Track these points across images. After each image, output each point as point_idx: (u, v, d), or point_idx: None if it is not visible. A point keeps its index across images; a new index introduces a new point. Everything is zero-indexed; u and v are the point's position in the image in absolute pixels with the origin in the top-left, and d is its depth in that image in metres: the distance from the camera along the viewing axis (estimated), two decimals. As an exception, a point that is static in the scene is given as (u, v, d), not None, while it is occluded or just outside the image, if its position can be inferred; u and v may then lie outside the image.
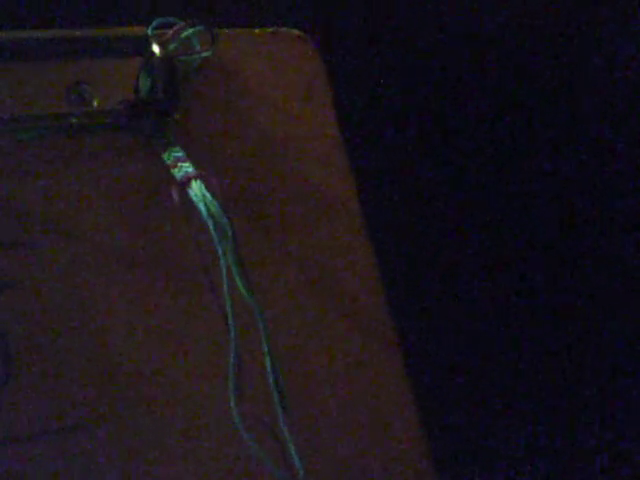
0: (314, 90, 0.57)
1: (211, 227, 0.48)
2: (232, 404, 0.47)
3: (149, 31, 0.52)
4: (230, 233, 0.48)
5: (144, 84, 0.52)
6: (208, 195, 0.48)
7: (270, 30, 0.57)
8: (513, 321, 0.77)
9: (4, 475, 0.45)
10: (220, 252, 0.48)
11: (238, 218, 0.49)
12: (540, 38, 0.82)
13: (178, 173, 0.50)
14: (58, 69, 0.51)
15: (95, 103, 0.51)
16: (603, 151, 0.82)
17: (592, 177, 0.81)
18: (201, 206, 0.48)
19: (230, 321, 0.47)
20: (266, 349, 0.47)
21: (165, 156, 0.51)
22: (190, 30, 0.52)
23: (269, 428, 0.47)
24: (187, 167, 0.50)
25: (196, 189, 0.49)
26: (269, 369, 0.47)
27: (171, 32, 0.52)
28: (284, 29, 0.57)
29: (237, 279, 0.48)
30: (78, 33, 0.52)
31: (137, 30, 0.52)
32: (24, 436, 0.46)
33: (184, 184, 0.49)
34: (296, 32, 0.58)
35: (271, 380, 0.47)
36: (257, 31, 0.57)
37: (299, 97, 0.56)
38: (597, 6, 0.81)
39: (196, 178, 0.49)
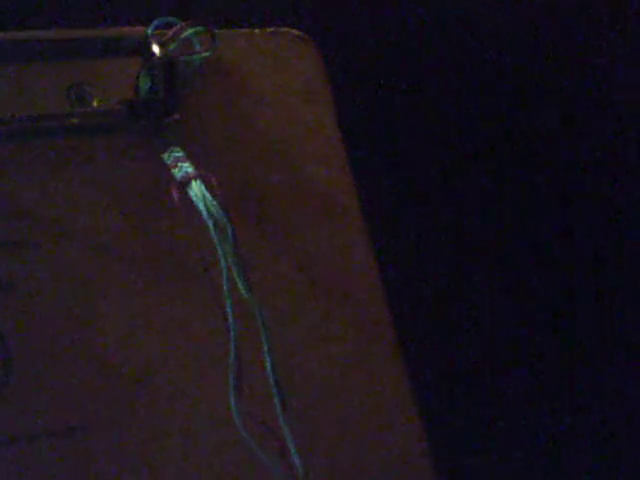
0: (314, 90, 0.57)
1: (211, 227, 0.48)
2: (232, 404, 0.47)
3: (149, 31, 0.52)
4: (230, 233, 0.48)
5: (144, 84, 0.52)
6: (208, 195, 0.48)
7: (270, 30, 0.57)
8: (514, 321, 0.77)
9: (4, 475, 0.45)
10: (220, 252, 0.48)
11: (238, 218, 0.49)
12: (542, 40, 0.82)
13: (178, 173, 0.50)
14: (58, 69, 0.51)
15: (95, 103, 0.51)
16: (604, 152, 0.81)
17: (593, 178, 0.81)
18: (201, 206, 0.48)
19: (230, 321, 0.47)
20: (266, 349, 0.47)
21: (165, 156, 0.51)
22: (190, 30, 0.52)
23: (269, 428, 0.47)
24: (187, 167, 0.50)
25: (196, 189, 0.49)
26: (269, 369, 0.47)
27: (171, 32, 0.52)
28: (284, 29, 0.57)
29: (237, 279, 0.47)
30: (78, 33, 0.52)
31: (137, 30, 0.52)
32: (24, 436, 0.46)
33: (184, 184, 0.49)
34: (296, 32, 0.58)
35: (271, 380, 0.47)
36: (257, 31, 0.57)
37: (299, 97, 0.56)
38: (598, 7, 0.82)
39: (196, 178, 0.49)
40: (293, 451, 0.47)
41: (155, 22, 0.52)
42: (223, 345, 0.48)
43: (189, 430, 0.48)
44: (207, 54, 0.53)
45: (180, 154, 0.50)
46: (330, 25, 0.77)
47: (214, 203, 0.48)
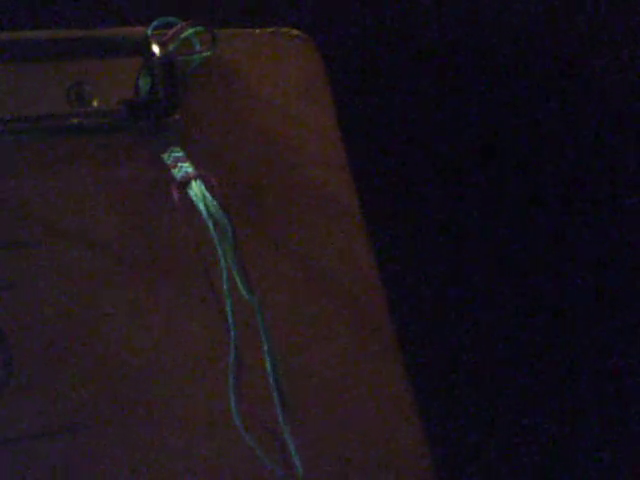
0: (314, 90, 0.57)
1: (211, 227, 0.48)
2: (232, 404, 0.47)
3: (149, 31, 0.52)
4: (230, 233, 0.48)
5: (144, 84, 0.52)
6: (208, 195, 0.48)
7: (270, 30, 0.57)
8: (514, 321, 0.77)
9: (4, 475, 0.45)
10: (220, 252, 0.48)
11: (238, 218, 0.49)
12: (543, 40, 0.82)
13: (178, 173, 0.50)
14: (58, 69, 0.51)
15: (95, 103, 0.51)
16: (605, 153, 0.82)
17: (593, 179, 0.81)
18: (201, 206, 0.48)
19: (230, 321, 0.47)
20: (266, 349, 0.47)
21: (165, 156, 0.51)
22: (190, 30, 0.52)
23: (269, 428, 0.47)
24: (187, 167, 0.50)
25: (196, 189, 0.49)
26: (269, 369, 0.47)
27: (171, 32, 0.52)
28: (284, 29, 0.57)
29: (237, 279, 0.48)
30: (78, 33, 0.52)
31: (137, 30, 0.52)
32: (24, 436, 0.46)
33: (184, 184, 0.49)
34: (296, 32, 0.58)
35: (271, 380, 0.47)
36: (257, 31, 0.57)
37: (299, 97, 0.56)
38: (597, 7, 0.82)
39: (196, 178, 0.49)
40: (293, 451, 0.47)
41: (155, 22, 0.52)
42: (223, 345, 0.48)
43: (189, 430, 0.48)
44: (207, 54, 0.53)
45: (180, 154, 0.50)
46: (330, 25, 0.77)
47: (214, 203, 0.48)
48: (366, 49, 0.79)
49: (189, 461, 0.48)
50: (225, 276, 0.48)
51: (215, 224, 0.48)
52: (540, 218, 0.80)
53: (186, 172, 0.49)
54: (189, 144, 0.51)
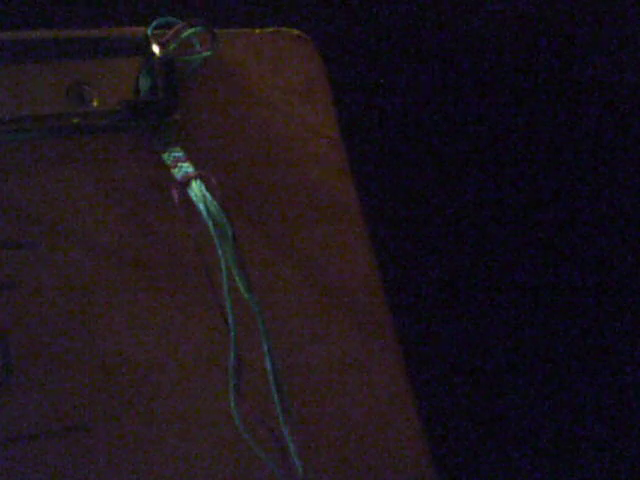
0: (314, 90, 0.57)
1: (211, 227, 0.48)
2: (232, 404, 0.47)
3: (149, 31, 0.52)
4: (230, 233, 0.48)
5: (144, 84, 0.52)
6: (208, 195, 0.48)
7: (270, 30, 0.57)
8: (514, 321, 0.77)
9: (4, 475, 0.45)
10: (220, 252, 0.48)
11: (238, 218, 0.49)
12: (543, 40, 0.82)
13: (178, 173, 0.50)
14: (58, 69, 0.51)
15: (95, 103, 0.51)
16: (605, 153, 0.82)
17: (593, 179, 0.81)
18: (201, 206, 0.48)
19: (230, 321, 0.47)
20: (266, 349, 0.47)
21: (165, 156, 0.51)
22: (190, 30, 0.52)
23: (269, 428, 0.47)
24: (187, 167, 0.50)
25: (196, 189, 0.49)
26: (269, 369, 0.47)
27: (171, 32, 0.52)
28: (284, 29, 0.57)
29: (237, 279, 0.47)
30: (78, 33, 0.52)
31: (137, 30, 0.52)
32: (24, 436, 0.46)
33: (184, 184, 0.49)
34: (296, 32, 0.58)
35: (271, 380, 0.47)
36: (257, 31, 0.57)
37: (299, 97, 0.56)
38: (597, 6, 0.82)
39: (196, 178, 0.49)
40: (293, 451, 0.47)
41: (155, 22, 0.52)
42: (223, 345, 0.48)
43: (189, 430, 0.48)
44: (207, 54, 0.53)
45: (180, 154, 0.50)
46: (330, 25, 0.77)
47: (214, 203, 0.48)
48: (366, 49, 0.79)
49: (189, 461, 0.48)
50: (225, 276, 0.48)
51: (215, 224, 0.48)
52: (541, 218, 0.80)
53: (186, 172, 0.49)
54: (189, 144, 0.51)
